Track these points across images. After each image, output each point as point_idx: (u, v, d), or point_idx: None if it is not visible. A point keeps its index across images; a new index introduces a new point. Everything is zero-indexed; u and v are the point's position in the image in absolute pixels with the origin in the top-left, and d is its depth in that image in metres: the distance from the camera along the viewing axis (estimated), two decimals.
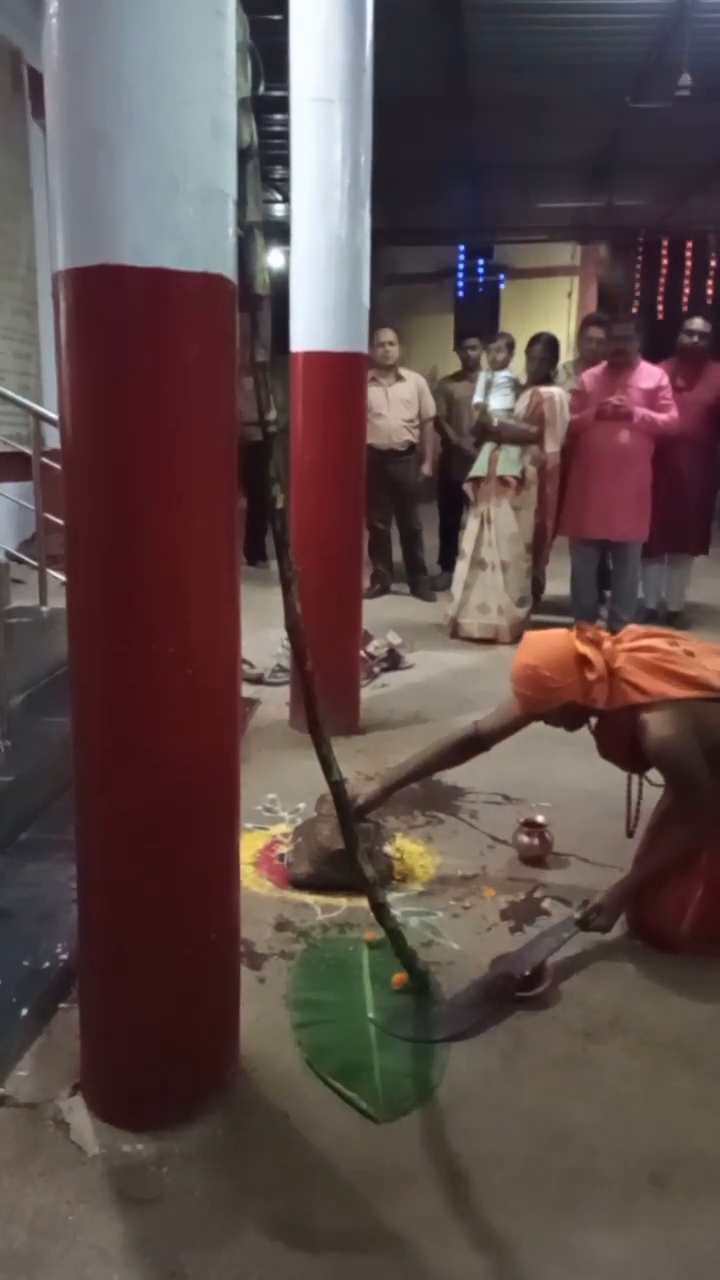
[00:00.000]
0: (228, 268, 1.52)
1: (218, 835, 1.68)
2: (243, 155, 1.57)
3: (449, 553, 6.46)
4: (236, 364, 1.59)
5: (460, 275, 12.64)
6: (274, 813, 3.06)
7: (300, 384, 3.51)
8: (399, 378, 5.98)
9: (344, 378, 3.49)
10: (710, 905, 2.29)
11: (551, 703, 2.32)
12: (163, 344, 1.46)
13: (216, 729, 1.64)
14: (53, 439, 2.34)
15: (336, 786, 1.89)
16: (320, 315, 3.43)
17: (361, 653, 4.41)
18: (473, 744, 2.61)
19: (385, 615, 5.47)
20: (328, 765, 1.86)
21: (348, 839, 1.94)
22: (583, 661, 2.27)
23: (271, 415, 1.66)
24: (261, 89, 1.62)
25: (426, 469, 6.07)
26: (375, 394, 5.95)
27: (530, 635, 2.47)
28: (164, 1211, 1.56)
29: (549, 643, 2.36)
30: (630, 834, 2.54)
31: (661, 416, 4.89)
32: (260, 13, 3.46)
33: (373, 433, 5.99)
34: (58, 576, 4.45)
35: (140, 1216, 1.55)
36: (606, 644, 2.34)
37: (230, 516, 1.64)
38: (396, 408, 5.95)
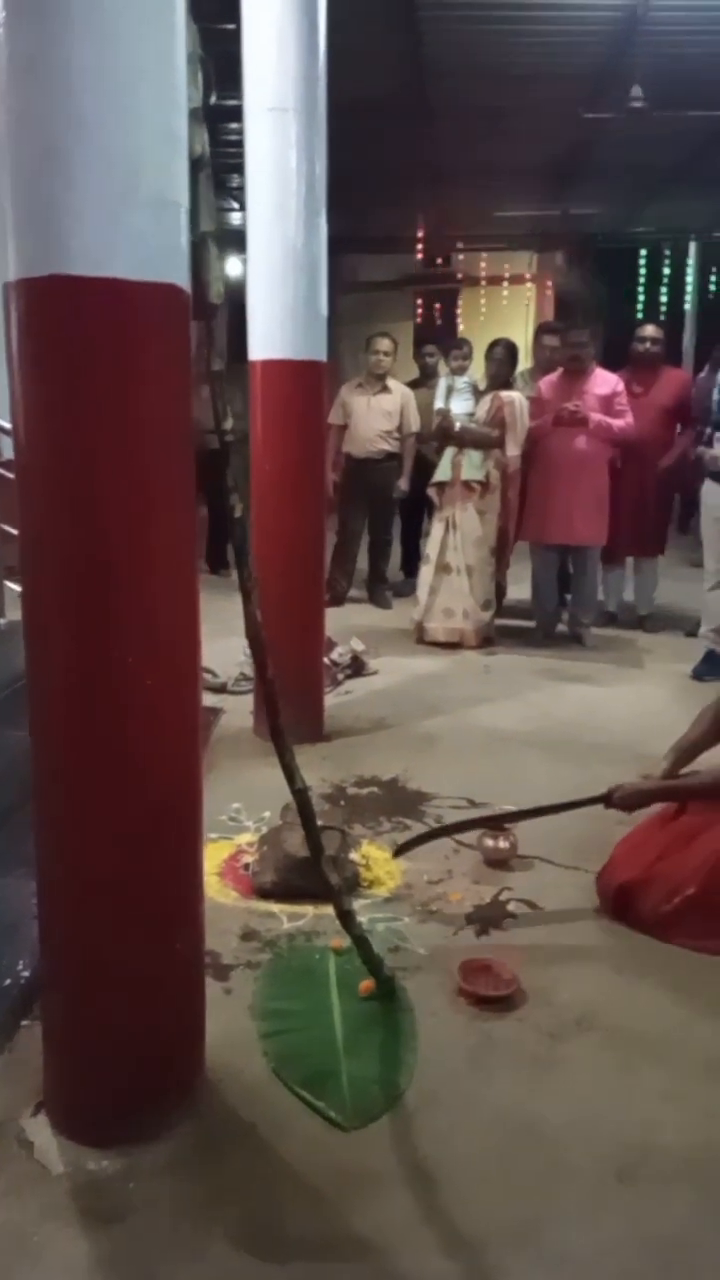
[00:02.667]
0: (181, 277, 1.52)
1: (181, 846, 1.67)
2: (195, 165, 1.57)
3: (411, 559, 6.49)
4: (192, 373, 1.59)
5: (421, 282, 12.73)
6: (239, 822, 3.05)
7: (259, 392, 3.51)
8: (385, 388, 5.99)
9: (303, 386, 3.50)
10: (696, 905, 2.34)
11: None
12: (116, 354, 1.46)
13: (178, 740, 1.63)
14: (6, 449, 2.32)
15: (300, 795, 1.89)
16: (278, 323, 3.44)
17: (325, 660, 4.42)
18: None
19: (349, 622, 5.48)
20: (291, 774, 1.86)
21: (312, 847, 1.94)
22: None
23: (228, 424, 1.66)
24: (213, 99, 1.62)
25: (403, 484, 6.08)
26: (357, 402, 5.97)
27: None
28: (132, 1227, 1.55)
29: None
30: None
31: (617, 422, 4.96)
32: (214, 22, 3.50)
33: (350, 440, 6.02)
34: (14, 588, 4.42)
35: (108, 1233, 1.54)
36: None
37: (189, 525, 1.64)
38: (376, 417, 5.95)
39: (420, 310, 12.59)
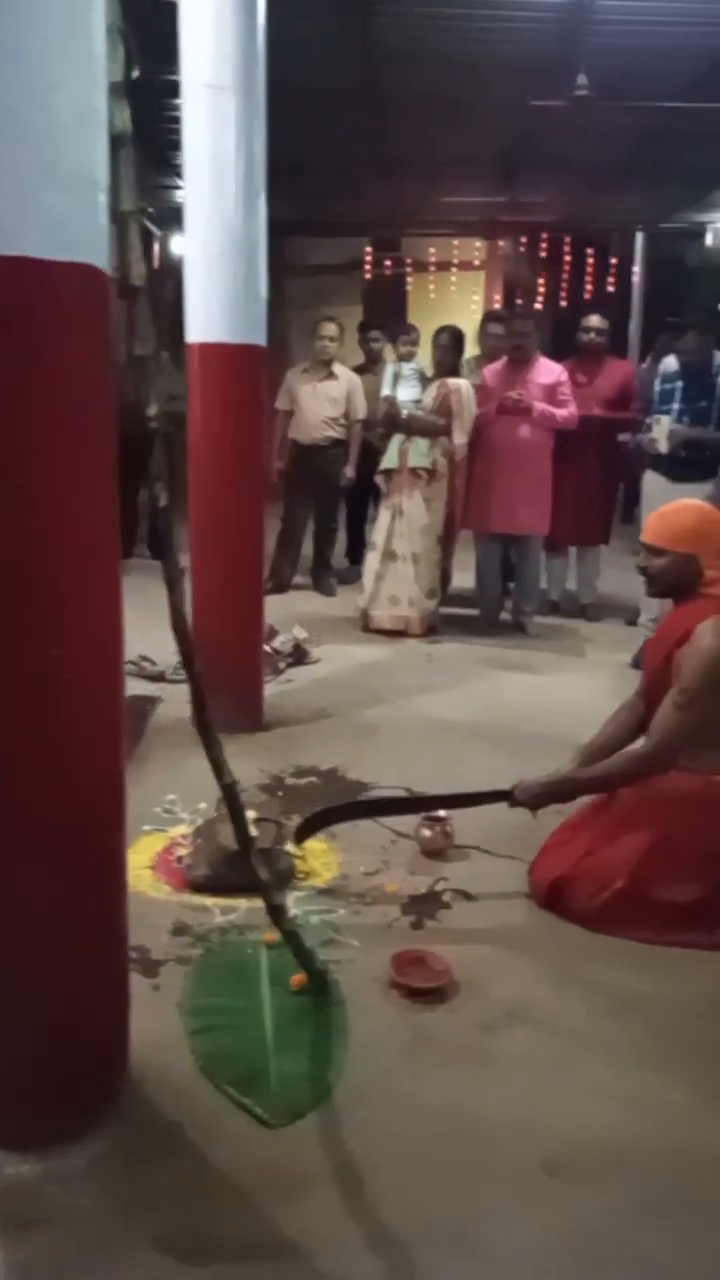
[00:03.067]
0: (100, 258, 1.47)
1: (103, 844, 1.63)
2: (115, 142, 1.52)
3: (356, 546, 6.46)
4: (113, 356, 1.54)
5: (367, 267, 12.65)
6: (174, 814, 3.00)
7: (197, 376, 3.45)
8: (332, 374, 5.92)
9: (242, 370, 3.44)
10: (625, 897, 2.37)
11: (689, 544, 2.44)
12: (31, 335, 1.40)
13: (98, 736, 1.59)
14: None
15: (228, 790, 1.86)
16: (218, 306, 3.37)
17: (266, 648, 4.38)
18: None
19: (293, 610, 5.44)
20: (219, 768, 1.83)
21: (241, 842, 1.92)
22: None
23: (152, 411, 1.61)
24: (135, 73, 1.57)
25: (349, 471, 6.04)
26: (303, 388, 5.89)
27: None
28: (51, 1233, 1.51)
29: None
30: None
31: (561, 412, 4.98)
32: None
33: (296, 426, 5.95)
34: None
35: (27, 1239, 1.50)
36: None
37: (111, 515, 1.59)
38: (321, 404, 5.88)
39: (369, 273, 12.47)
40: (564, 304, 11.67)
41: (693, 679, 2.35)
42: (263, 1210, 1.57)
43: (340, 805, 2.85)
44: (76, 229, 1.42)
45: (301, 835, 2.68)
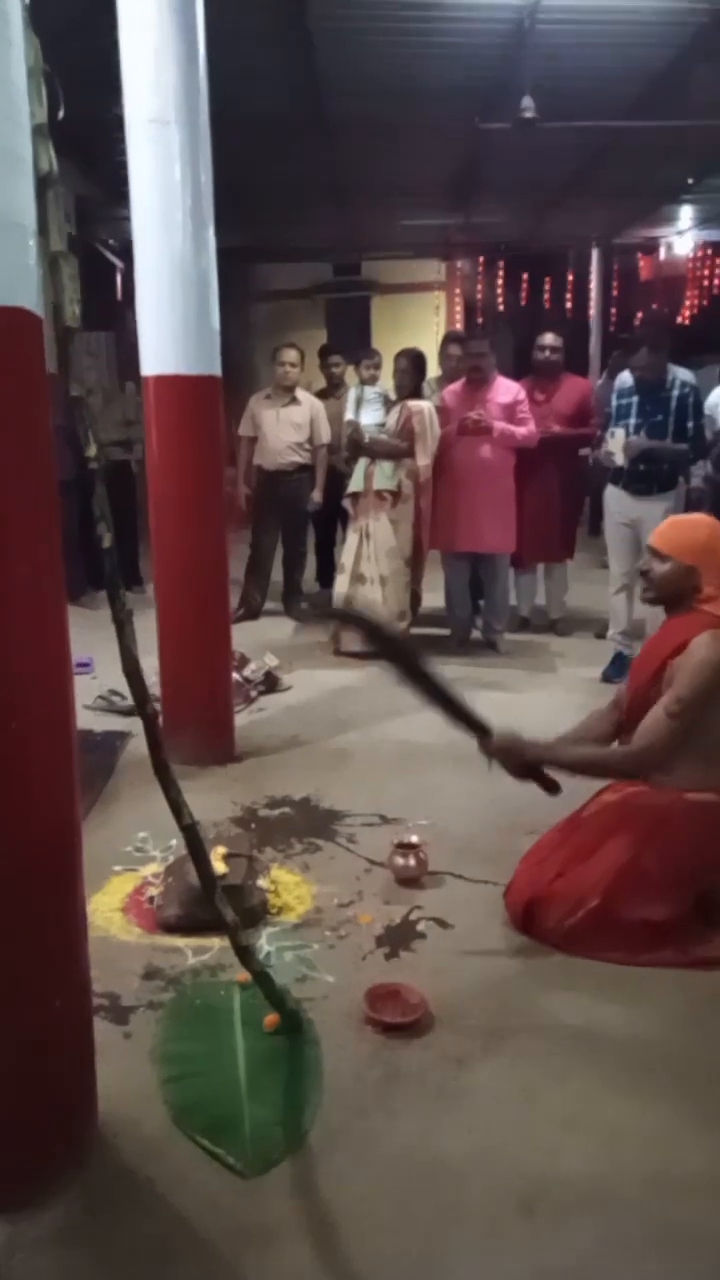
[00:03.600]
0: (29, 300, 1.45)
1: (58, 899, 1.59)
2: (43, 183, 1.50)
3: (326, 570, 6.45)
4: (47, 397, 1.52)
5: (330, 291, 12.75)
6: (145, 852, 2.96)
7: (153, 409, 3.43)
8: (294, 400, 5.92)
9: (197, 402, 3.43)
10: (600, 917, 2.35)
11: (694, 557, 2.45)
12: None
13: (50, 787, 1.55)
14: None
15: (189, 831, 1.82)
16: (170, 338, 3.36)
17: (237, 677, 4.35)
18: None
19: (263, 637, 5.41)
20: (178, 810, 1.80)
21: (205, 884, 1.88)
22: None
23: (91, 452, 1.59)
24: (61, 114, 1.55)
25: (316, 495, 6.03)
26: (266, 414, 5.89)
27: None
28: None
29: None
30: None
31: (521, 430, 5.00)
32: (97, 33, 3.41)
33: (260, 452, 5.94)
34: None
35: None
36: None
37: (53, 559, 1.57)
38: (285, 429, 5.88)
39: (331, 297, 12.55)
40: (523, 322, 11.79)
41: (687, 688, 2.35)
42: (235, 1266, 1.52)
43: (368, 621, 2.75)
44: (5, 273, 1.40)
45: (323, 616, 2.53)
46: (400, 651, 2.67)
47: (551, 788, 2.52)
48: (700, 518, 2.65)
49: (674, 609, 2.54)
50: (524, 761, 2.50)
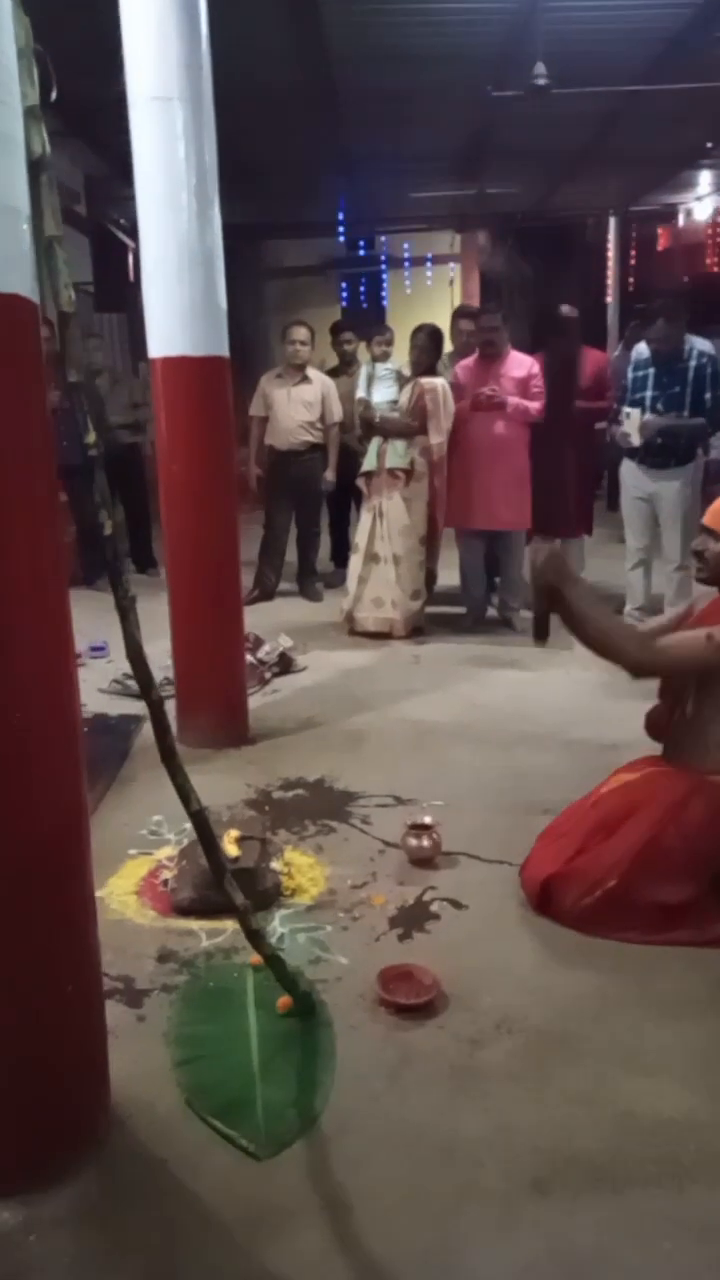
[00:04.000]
0: (24, 286, 1.43)
1: (67, 886, 1.60)
2: (35, 166, 1.48)
3: (341, 549, 6.43)
4: (44, 384, 1.50)
5: (344, 266, 12.63)
6: (160, 835, 2.97)
7: (161, 391, 3.42)
8: (305, 379, 5.86)
9: (206, 383, 3.40)
10: (617, 897, 2.33)
11: None
12: None
13: (56, 775, 1.56)
14: None
15: (197, 817, 1.82)
16: (177, 319, 3.34)
17: (252, 659, 4.35)
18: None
19: (278, 618, 5.40)
20: (185, 796, 1.80)
21: (214, 870, 1.88)
22: None
23: (90, 439, 1.58)
24: (54, 95, 1.53)
25: (329, 475, 5.99)
26: (277, 393, 5.85)
27: None
28: None
29: None
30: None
31: (535, 404, 4.94)
32: (101, 8, 3.37)
33: (271, 432, 5.90)
34: None
35: None
36: None
37: (54, 545, 1.56)
38: (296, 408, 5.83)
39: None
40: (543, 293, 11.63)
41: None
42: (248, 1248, 1.54)
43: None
44: None
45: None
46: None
47: (542, 634, 2.43)
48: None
49: None
50: (559, 581, 2.33)
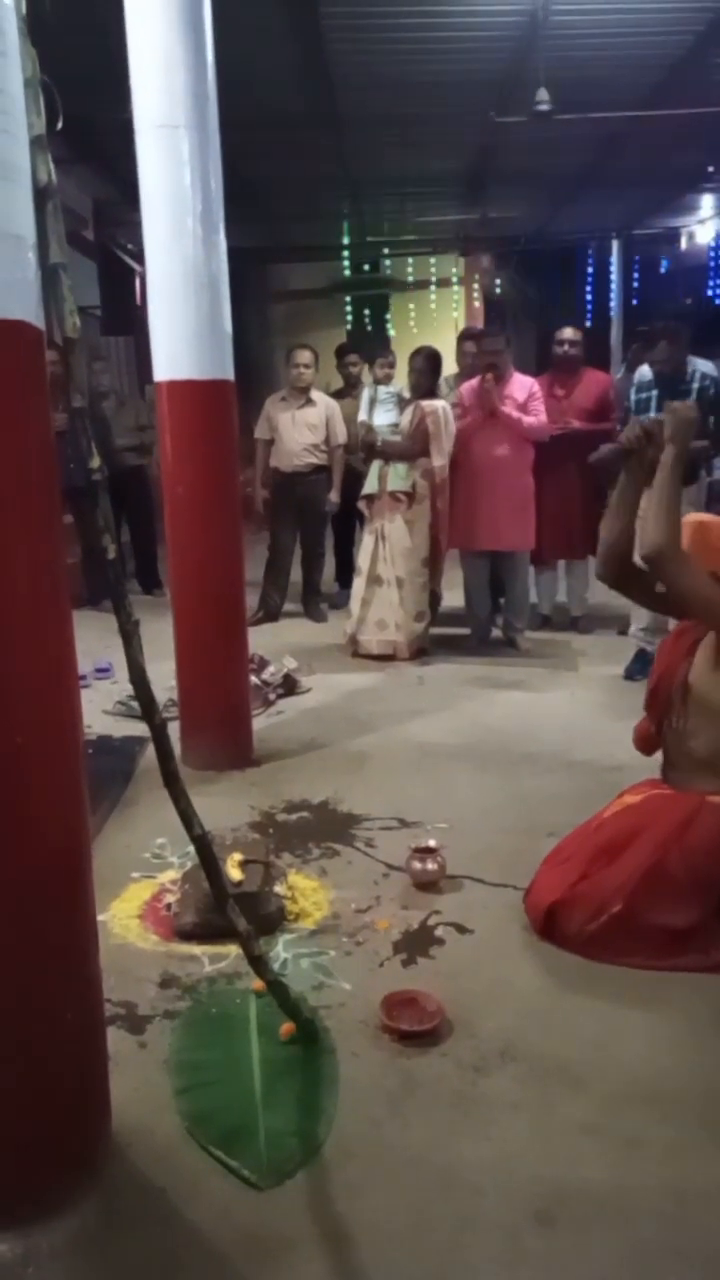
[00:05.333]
0: (28, 312, 1.44)
1: (68, 913, 1.59)
2: (41, 195, 1.50)
3: (345, 569, 6.44)
4: (49, 408, 1.51)
5: (348, 289, 12.72)
6: (163, 858, 2.96)
7: (166, 414, 3.44)
8: (309, 401, 5.91)
9: (210, 406, 3.42)
10: (622, 922, 2.32)
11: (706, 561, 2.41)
12: None
13: (57, 800, 1.55)
14: None
15: (199, 842, 1.81)
16: (183, 343, 3.36)
17: (256, 680, 4.35)
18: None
19: (282, 639, 5.41)
20: (188, 820, 1.79)
21: (216, 894, 1.87)
22: None
23: (95, 464, 1.59)
24: (60, 125, 1.55)
25: (333, 496, 6.02)
26: (282, 416, 5.89)
27: None
28: None
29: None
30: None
31: (528, 419, 4.96)
32: (109, 33, 3.42)
33: (276, 454, 5.94)
34: None
35: None
36: None
37: (56, 570, 1.56)
38: (301, 431, 5.87)
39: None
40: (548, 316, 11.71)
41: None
42: (248, 1278, 1.51)
43: None
44: (2, 285, 1.39)
45: None
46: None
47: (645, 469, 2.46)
48: (689, 520, 2.56)
49: None
50: (680, 442, 2.40)
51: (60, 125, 1.56)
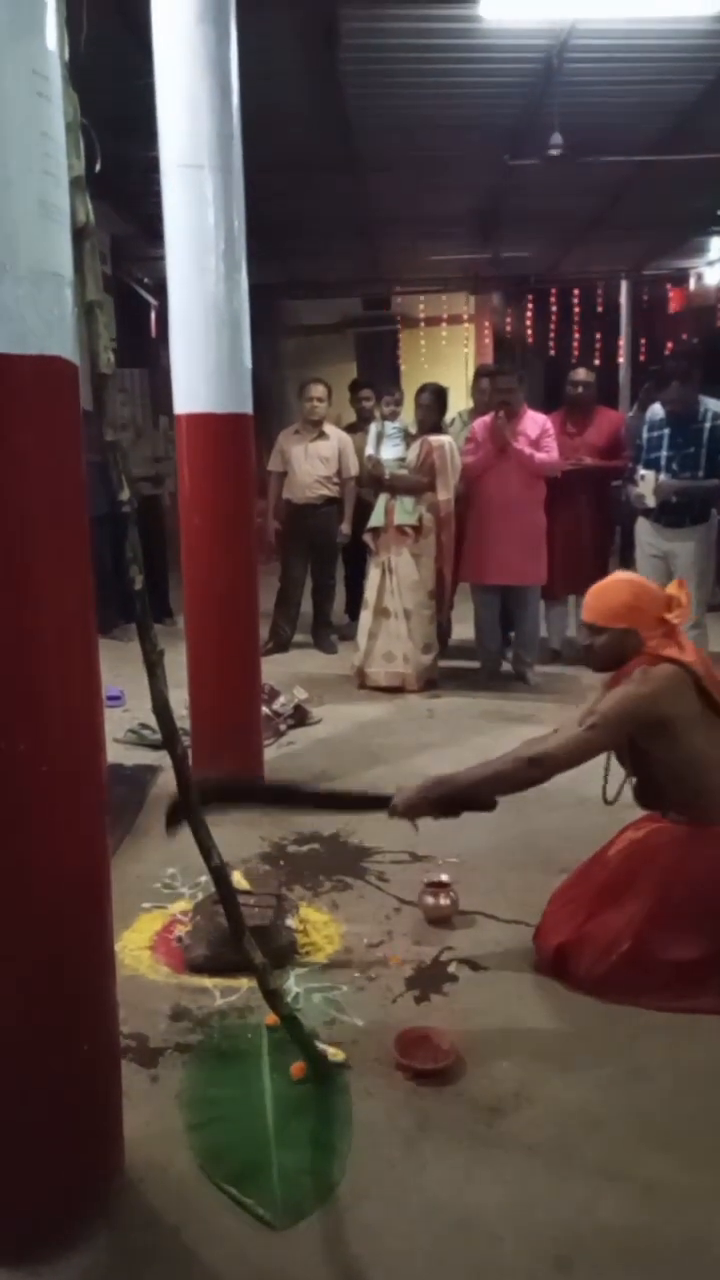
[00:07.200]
0: (66, 349, 1.47)
1: (88, 942, 1.59)
2: (79, 234, 1.53)
3: (355, 601, 6.46)
4: (80, 442, 1.54)
5: (361, 325, 12.88)
6: (174, 889, 2.95)
7: (185, 446, 3.48)
8: (323, 434, 5.98)
9: (229, 439, 3.46)
10: (631, 962, 2.30)
11: (626, 620, 2.43)
12: None
13: (79, 831, 1.55)
14: None
15: (217, 872, 1.81)
16: (202, 378, 3.41)
17: (267, 711, 4.35)
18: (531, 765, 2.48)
19: (293, 670, 5.42)
20: (206, 851, 1.79)
21: (234, 927, 1.87)
22: (670, 604, 2.45)
23: (124, 495, 1.61)
24: (98, 167, 1.59)
25: (345, 528, 6.07)
26: (295, 449, 5.95)
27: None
28: None
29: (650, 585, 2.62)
30: (607, 802, 2.62)
31: (539, 455, 4.99)
32: (130, 78, 3.50)
33: (289, 486, 6.00)
34: None
35: None
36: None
37: (84, 602, 1.58)
38: (314, 463, 5.93)
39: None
40: (552, 353, 11.84)
41: (608, 707, 2.34)
42: None
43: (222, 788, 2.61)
44: (42, 322, 1.42)
45: (171, 821, 2.15)
46: (266, 791, 2.86)
47: (486, 807, 2.47)
48: (618, 579, 2.61)
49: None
50: (430, 802, 2.42)
51: (99, 167, 1.60)
